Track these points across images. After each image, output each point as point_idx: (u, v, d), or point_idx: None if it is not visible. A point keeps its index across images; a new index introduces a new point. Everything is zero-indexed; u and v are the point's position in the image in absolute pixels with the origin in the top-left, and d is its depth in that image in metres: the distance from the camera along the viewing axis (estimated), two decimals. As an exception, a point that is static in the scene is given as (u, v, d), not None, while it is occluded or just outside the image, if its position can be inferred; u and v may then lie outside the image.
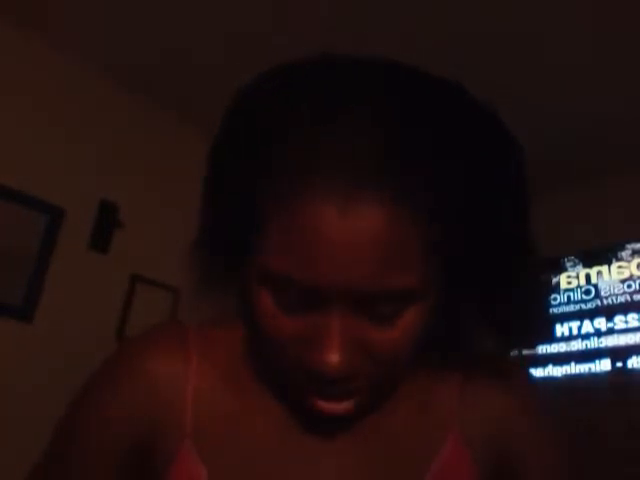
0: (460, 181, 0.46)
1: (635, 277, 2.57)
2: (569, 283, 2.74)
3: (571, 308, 2.69)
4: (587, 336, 2.60)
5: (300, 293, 0.46)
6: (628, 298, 2.56)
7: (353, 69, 0.48)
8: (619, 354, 2.49)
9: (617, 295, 2.59)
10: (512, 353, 0.62)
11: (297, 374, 0.50)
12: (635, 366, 2.44)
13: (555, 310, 2.72)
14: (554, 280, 2.76)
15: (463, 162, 0.46)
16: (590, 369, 2.54)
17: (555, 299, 2.74)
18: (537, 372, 2.60)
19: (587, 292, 2.68)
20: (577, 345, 2.62)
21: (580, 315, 2.66)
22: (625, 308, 2.55)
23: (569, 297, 2.72)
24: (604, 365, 2.51)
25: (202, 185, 0.57)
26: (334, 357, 0.45)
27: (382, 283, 0.44)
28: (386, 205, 0.43)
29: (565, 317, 2.69)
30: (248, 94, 0.51)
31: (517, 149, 0.50)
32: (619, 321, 2.54)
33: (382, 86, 0.47)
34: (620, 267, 2.61)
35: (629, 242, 2.61)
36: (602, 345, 2.55)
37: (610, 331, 2.55)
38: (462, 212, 0.47)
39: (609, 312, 2.59)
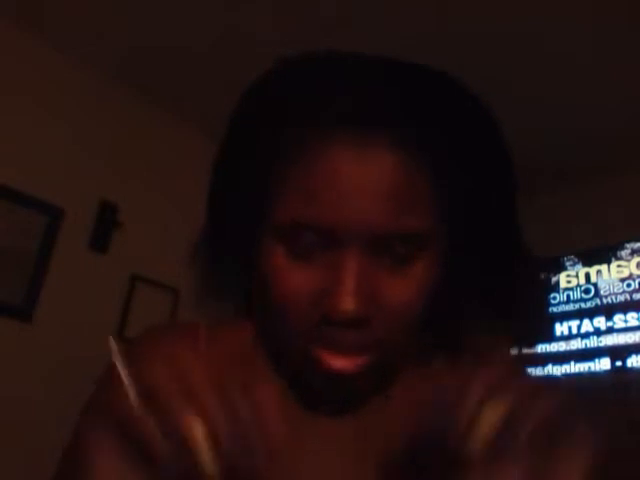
0: (458, 141, 0.50)
1: (635, 276, 2.57)
2: (569, 282, 2.74)
3: (571, 307, 2.70)
4: (586, 335, 2.61)
5: (318, 238, 0.48)
6: (628, 297, 2.56)
7: (358, 54, 0.53)
8: (618, 353, 2.50)
9: (617, 294, 2.59)
10: (512, 351, 0.62)
11: (309, 331, 0.50)
12: (635, 365, 2.45)
13: (555, 309, 2.72)
14: (554, 279, 2.77)
15: (459, 125, 0.50)
16: (590, 368, 2.54)
17: (554, 298, 2.74)
18: (536, 371, 2.61)
19: (587, 291, 2.68)
20: (576, 344, 2.62)
21: (580, 314, 2.66)
22: (624, 307, 2.55)
23: (569, 296, 2.72)
24: (604, 364, 2.51)
25: (214, 164, 0.58)
26: (350, 298, 0.46)
27: (396, 222, 0.47)
28: (396, 151, 0.47)
29: (565, 316, 2.69)
30: (262, 76, 0.55)
31: (499, 124, 0.54)
32: (619, 320, 2.54)
33: (387, 62, 0.52)
34: (620, 266, 2.62)
35: (629, 241, 2.61)
36: (602, 344, 2.56)
37: (610, 330, 2.56)
38: (462, 169, 0.50)
39: (609, 311, 2.59)
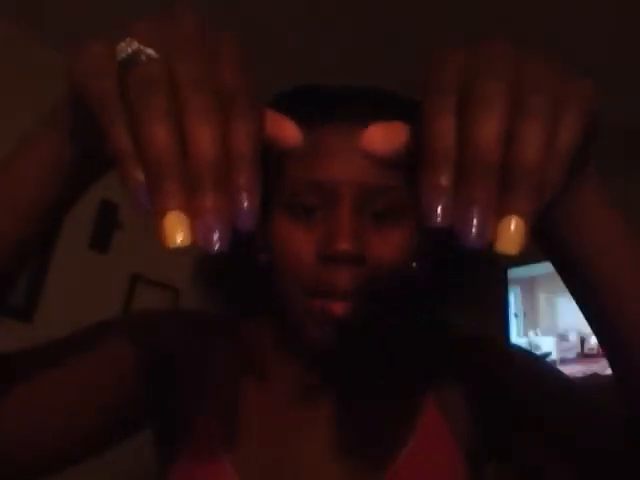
0: None
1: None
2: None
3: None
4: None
5: (317, 198, 0.59)
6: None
7: (346, 86, 0.68)
8: None
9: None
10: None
11: (311, 282, 0.59)
12: None
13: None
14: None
15: None
16: None
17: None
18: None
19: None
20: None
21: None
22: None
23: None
24: None
25: None
26: (347, 238, 0.56)
27: (380, 178, 0.59)
28: None
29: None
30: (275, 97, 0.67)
31: None
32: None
33: (373, 90, 0.67)
34: None
35: None
36: None
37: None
38: None
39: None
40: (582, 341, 2.60)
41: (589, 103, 0.33)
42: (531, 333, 2.79)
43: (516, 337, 2.82)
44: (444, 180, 0.30)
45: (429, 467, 0.62)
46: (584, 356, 2.58)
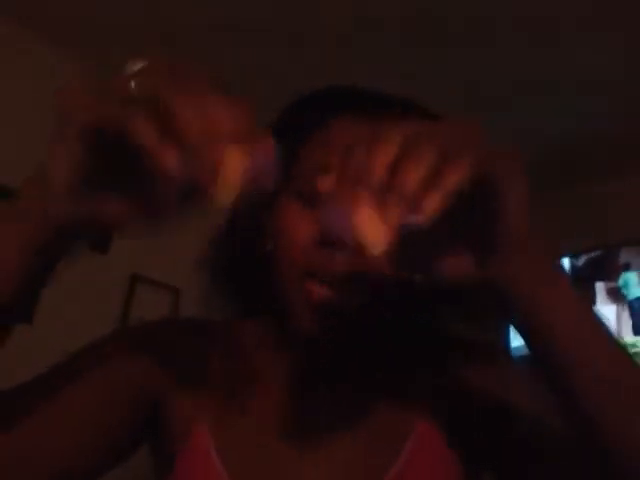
0: None
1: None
2: None
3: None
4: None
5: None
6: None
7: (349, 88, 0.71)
8: None
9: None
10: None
11: (306, 265, 0.59)
12: None
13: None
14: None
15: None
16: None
17: None
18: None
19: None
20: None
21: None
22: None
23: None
24: None
25: None
26: None
27: None
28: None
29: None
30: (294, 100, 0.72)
31: None
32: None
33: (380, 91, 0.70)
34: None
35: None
36: None
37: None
38: None
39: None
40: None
41: (478, 166, 0.40)
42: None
43: (516, 340, 2.81)
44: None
45: (427, 470, 0.61)
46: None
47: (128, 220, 0.43)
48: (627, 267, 2.62)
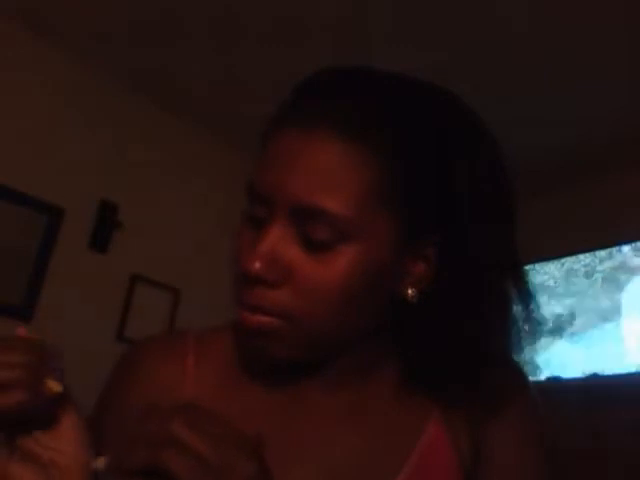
0: (407, 146, 0.57)
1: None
2: None
3: None
4: None
5: (263, 207, 0.56)
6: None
7: (357, 69, 0.62)
8: None
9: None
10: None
11: (235, 291, 0.58)
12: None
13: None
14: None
15: (410, 129, 0.58)
16: None
17: None
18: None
19: None
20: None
21: None
22: None
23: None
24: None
25: None
26: (257, 259, 0.54)
27: (310, 196, 0.54)
28: (340, 142, 0.55)
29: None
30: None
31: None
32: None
33: (372, 74, 0.61)
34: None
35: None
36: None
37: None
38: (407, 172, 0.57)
39: None
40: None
41: None
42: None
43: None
44: None
45: (434, 476, 0.60)
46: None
47: None
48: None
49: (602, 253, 2.71)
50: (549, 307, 2.73)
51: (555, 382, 2.51)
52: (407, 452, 0.60)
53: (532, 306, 0.62)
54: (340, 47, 2.25)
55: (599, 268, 2.74)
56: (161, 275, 2.67)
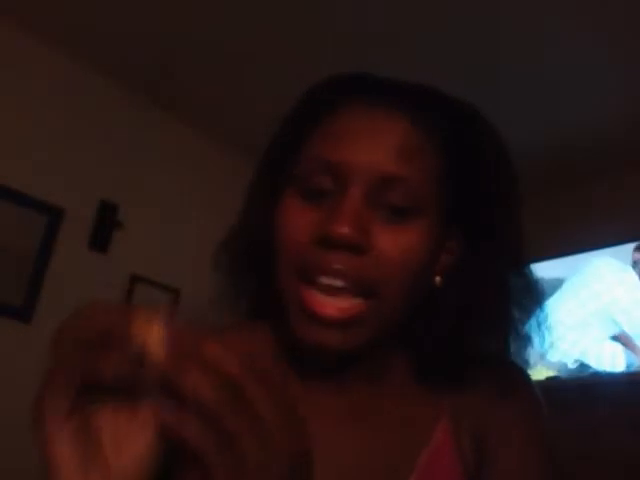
0: (462, 140, 0.61)
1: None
2: None
3: None
4: None
5: (330, 178, 0.57)
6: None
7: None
8: None
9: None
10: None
11: (305, 269, 0.55)
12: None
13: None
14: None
15: (461, 127, 0.61)
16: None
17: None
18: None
19: None
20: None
21: None
22: None
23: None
24: None
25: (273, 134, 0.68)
26: (346, 222, 0.54)
27: (396, 167, 0.56)
28: (407, 119, 0.59)
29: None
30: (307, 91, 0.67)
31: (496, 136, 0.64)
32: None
33: (404, 82, 0.65)
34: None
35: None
36: None
37: None
38: (467, 166, 0.60)
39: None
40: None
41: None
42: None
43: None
44: None
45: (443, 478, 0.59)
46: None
47: None
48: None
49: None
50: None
51: (555, 382, 2.51)
52: (418, 452, 0.59)
53: (539, 307, 0.63)
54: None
55: None
56: (161, 275, 2.67)
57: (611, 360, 2.47)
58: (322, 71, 0.67)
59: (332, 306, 0.54)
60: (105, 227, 2.59)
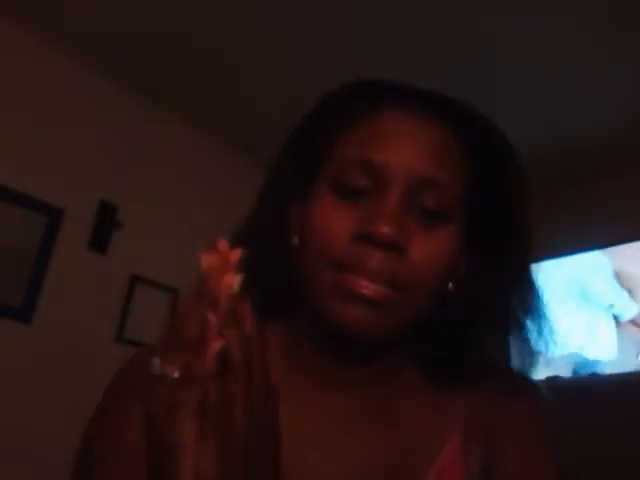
0: (485, 153, 0.63)
1: None
2: None
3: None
4: None
5: (368, 178, 0.58)
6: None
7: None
8: None
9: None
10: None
11: (343, 261, 0.56)
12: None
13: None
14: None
15: (486, 142, 0.64)
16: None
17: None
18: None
19: None
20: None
21: None
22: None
23: None
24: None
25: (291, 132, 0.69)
26: (390, 222, 0.55)
27: (435, 170, 0.58)
28: (441, 127, 0.61)
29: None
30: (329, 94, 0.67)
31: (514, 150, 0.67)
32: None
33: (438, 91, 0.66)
34: None
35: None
36: None
37: None
38: (488, 176, 0.62)
39: None
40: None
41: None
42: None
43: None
44: None
45: None
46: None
47: None
48: None
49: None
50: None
51: (555, 382, 2.51)
52: (427, 468, 0.59)
53: (543, 310, 0.64)
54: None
55: None
56: (161, 276, 2.67)
57: (606, 344, 2.51)
58: (322, 71, 0.68)
59: (369, 287, 0.55)
60: (105, 227, 2.59)
